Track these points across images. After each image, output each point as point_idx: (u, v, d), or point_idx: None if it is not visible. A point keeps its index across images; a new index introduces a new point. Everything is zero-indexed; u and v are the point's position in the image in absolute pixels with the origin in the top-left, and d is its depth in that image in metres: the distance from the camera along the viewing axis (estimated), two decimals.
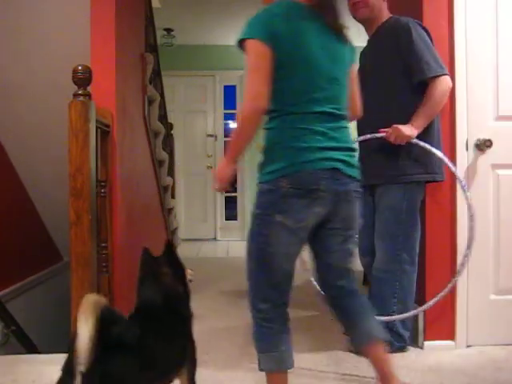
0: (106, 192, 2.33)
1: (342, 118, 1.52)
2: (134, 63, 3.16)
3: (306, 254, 1.73)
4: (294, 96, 1.45)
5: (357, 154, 1.58)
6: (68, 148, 2.04)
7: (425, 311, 2.24)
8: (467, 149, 2.25)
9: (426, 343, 2.26)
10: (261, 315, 1.51)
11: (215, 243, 6.14)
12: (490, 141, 2.21)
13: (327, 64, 1.47)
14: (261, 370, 1.54)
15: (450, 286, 2.12)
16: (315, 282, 2.04)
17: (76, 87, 2.09)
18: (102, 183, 2.32)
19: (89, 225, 2.04)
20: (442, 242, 2.28)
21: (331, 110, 1.47)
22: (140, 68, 3.34)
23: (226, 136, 6.34)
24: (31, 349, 3.11)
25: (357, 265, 2.60)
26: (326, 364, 2.11)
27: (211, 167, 6.22)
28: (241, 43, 1.44)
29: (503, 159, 2.26)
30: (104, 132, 2.34)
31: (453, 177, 2.25)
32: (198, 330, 2.61)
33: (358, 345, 1.65)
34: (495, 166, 2.26)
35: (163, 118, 4.32)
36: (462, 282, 2.24)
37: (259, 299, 1.51)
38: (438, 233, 2.27)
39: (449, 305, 2.23)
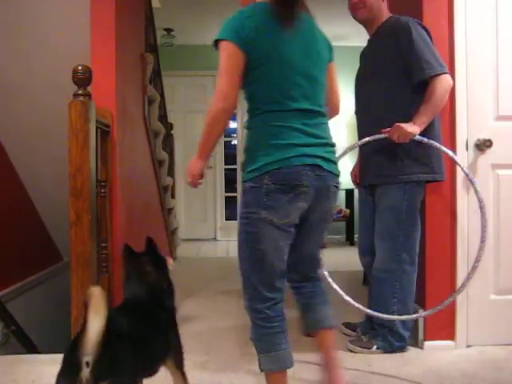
0: (105, 192, 2.34)
1: (320, 114, 1.54)
2: (134, 63, 3.16)
3: None
4: (271, 94, 1.47)
5: (335, 149, 1.60)
6: (68, 148, 2.04)
7: (425, 311, 2.24)
8: (467, 149, 2.25)
9: (426, 343, 2.26)
10: (259, 315, 1.52)
11: (215, 243, 6.14)
12: (489, 141, 2.21)
13: (302, 62, 1.50)
14: (261, 370, 1.54)
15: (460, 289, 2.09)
16: (329, 279, 2.05)
17: (76, 87, 2.09)
18: (102, 183, 2.32)
19: (89, 225, 2.04)
20: (441, 242, 2.28)
21: (309, 107, 1.50)
22: (140, 68, 3.34)
23: (226, 136, 6.35)
24: (31, 349, 3.12)
25: (357, 265, 2.61)
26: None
27: (211, 167, 6.23)
28: (216, 43, 1.47)
29: (503, 159, 2.26)
30: (104, 132, 2.34)
31: (453, 177, 2.25)
32: (198, 330, 2.63)
33: (312, 328, 1.67)
34: (495, 166, 2.26)
35: (163, 118, 4.32)
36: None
37: (256, 299, 1.52)
38: (437, 233, 2.27)
39: (449, 305, 2.22)
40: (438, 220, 2.27)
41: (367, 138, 2.11)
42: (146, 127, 3.48)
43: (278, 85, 1.47)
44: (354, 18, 2.26)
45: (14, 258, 3.38)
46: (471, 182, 2.04)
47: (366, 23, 2.27)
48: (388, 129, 2.04)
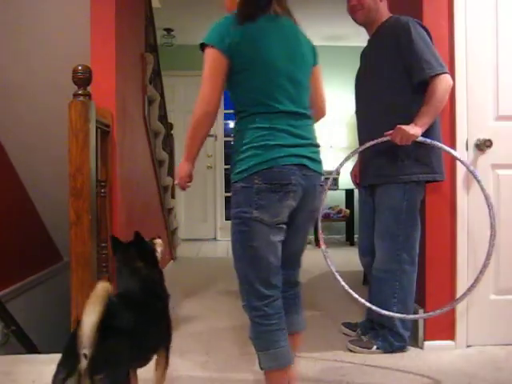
0: (106, 192, 2.34)
1: (305, 116, 1.59)
2: (134, 63, 3.16)
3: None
4: (257, 97, 1.51)
5: (320, 149, 1.65)
6: (68, 148, 2.04)
7: (425, 311, 2.24)
8: (467, 149, 2.25)
9: (426, 343, 2.26)
10: (257, 313, 1.54)
11: (215, 243, 6.14)
12: (490, 141, 2.21)
13: (286, 65, 1.54)
14: (261, 368, 1.55)
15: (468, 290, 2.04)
16: (338, 276, 2.05)
17: (76, 87, 2.09)
18: (102, 183, 2.32)
19: (89, 225, 2.04)
20: (441, 242, 2.28)
21: (294, 109, 1.54)
22: (140, 68, 3.34)
23: (226, 136, 6.34)
24: (31, 349, 3.12)
25: (357, 265, 2.62)
26: (327, 364, 2.11)
27: (211, 167, 6.23)
28: (201, 46, 1.52)
29: (503, 159, 2.27)
30: (104, 132, 2.34)
31: (453, 177, 2.25)
32: (198, 330, 2.63)
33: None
34: (495, 166, 2.26)
35: (163, 118, 4.32)
36: (462, 282, 2.25)
37: (253, 297, 1.54)
38: (437, 233, 2.27)
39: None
40: (438, 220, 2.27)
41: (370, 143, 2.09)
42: (146, 127, 3.48)
43: (263, 88, 1.51)
44: (355, 20, 2.27)
45: (14, 257, 3.38)
46: (478, 181, 2.01)
47: (365, 25, 2.28)
48: (390, 131, 2.03)
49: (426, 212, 2.25)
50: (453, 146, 2.22)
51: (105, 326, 1.17)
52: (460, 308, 2.25)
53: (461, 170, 2.25)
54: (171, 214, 4.53)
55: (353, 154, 2.21)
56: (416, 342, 2.29)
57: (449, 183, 2.25)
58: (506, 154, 2.26)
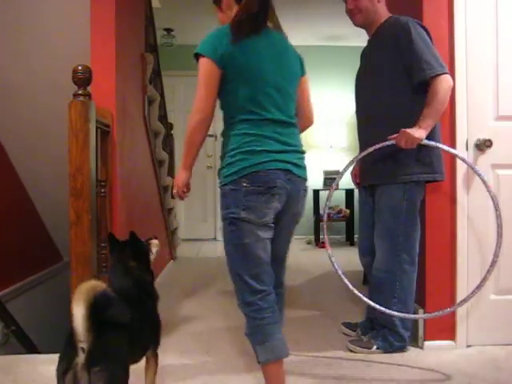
0: (105, 192, 2.34)
1: (290, 124, 1.68)
2: (134, 63, 3.16)
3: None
4: (246, 105, 1.59)
5: (304, 155, 1.73)
6: (68, 148, 2.04)
7: (425, 311, 2.25)
8: (467, 149, 2.25)
9: (426, 343, 2.26)
10: (251, 308, 1.59)
11: (215, 243, 6.14)
12: (490, 141, 2.21)
13: (275, 76, 1.63)
14: (259, 362, 1.59)
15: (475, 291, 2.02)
16: (342, 275, 2.04)
17: (76, 87, 2.09)
18: (102, 183, 2.32)
19: (89, 225, 2.04)
20: (441, 242, 2.28)
21: (280, 118, 1.63)
22: (140, 68, 3.34)
23: None
24: (31, 349, 3.12)
25: (357, 265, 2.62)
26: (327, 364, 2.11)
27: (211, 167, 6.22)
28: (196, 56, 1.61)
29: (503, 159, 2.26)
30: (104, 132, 2.34)
31: (453, 177, 2.25)
32: (198, 330, 2.63)
33: None
34: (495, 166, 2.26)
35: (163, 118, 4.32)
36: (462, 282, 2.25)
37: (246, 292, 1.60)
38: (438, 233, 2.27)
39: (449, 304, 2.22)
40: (439, 220, 2.27)
41: (375, 146, 2.07)
42: (146, 127, 3.48)
43: (251, 97, 1.59)
44: (353, 22, 2.28)
45: (14, 257, 3.38)
46: (482, 179, 2.01)
47: (364, 26, 2.28)
48: (394, 135, 2.03)
49: (426, 212, 2.25)
50: (453, 146, 2.22)
51: (102, 320, 1.19)
52: (460, 308, 2.25)
53: (461, 170, 2.25)
54: (171, 214, 4.54)
55: (357, 158, 2.18)
56: (416, 342, 2.29)
57: (449, 183, 2.25)
58: (506, 153, 2.26)
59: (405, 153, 2.08)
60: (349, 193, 5.75)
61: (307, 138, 6.31)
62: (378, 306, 2.04)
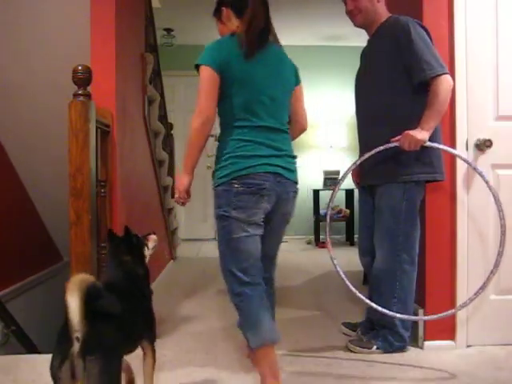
0: (105, 192, 2.34)
1: (282, 131, 1.79)
2: (134, 63, 3.16)
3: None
4: (240, 112, 1.71)
5: (296, 160, 1.84)
6: (68, 148, 2.04)
7: (425, 311, 2.25)
8: (467, 149, 2.25)
9: (426, 343, 2.26)
10: (240, 297, 1.70)
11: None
12: (490, 141, 2.21)
13: (269, 86, 1.74)
14: (250, 347, 1.68)
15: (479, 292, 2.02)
16: (343, 276, 2.04)
17: (76, 87, 2.09)
18: (102, 183, 2.32)
19: (89, 225, 2.04)
20: (441, 242, 2.28)
21: (272, 125, 1.74)
22: (140, 68, 3.34)
23: None
24: (31, 349, 3.12)
25: (357, 265, 2.62)
26: (327, 364, 2.11)
27: (211, 167, 6.22)
28: (197, 66, 1.72)
29: (503, 159, 2.26)
30: (104, 132, 2.34)
31: (453, 177, 2.25)
32: (198, 330, 2.63)
33: None
34: (495, 166, 2.25)
35: (163, 118, 4.32)
36: (462, 282, 2.25)
37: (235, 283, 1.70)
38: (438, 233, 2.27)
39: (449, 305, 2.22)
40: (439, 220, 2.27)
41: (379, 148, 2.06)
42: (146, 127, 3.48)
43: (246, 105, 1.71)
44: (353, 23, 2.28)
45: (14, 257, 3.38)
46: (484, 179, 2.00)
47: (364, 27, 2.28)
48: (398, 137, 2.03)
49: (426, 212, 2.25)
50: (453, 146, 2.22)
51: (93, 311, 1.22)
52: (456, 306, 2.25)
53: (461, 170, 2.24)
54: (171, 213, 4.54)
55: (361, 160, 2.16)
56: (416, 342, 2.29)
57: (449, 183, 2.25)
58: (506, 153, 2.26)
59: (405, 153, 2.08)
60: (349, 193, 5.75)
61: (307, 138, 6.36)
62: (380, 308, 2.04)
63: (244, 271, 1.70)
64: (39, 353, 2.89)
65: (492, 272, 1.95)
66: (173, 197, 4.62)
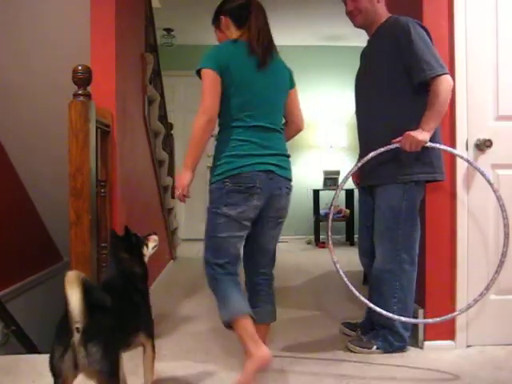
0: (105, 192, 2.34)
1: (275, 131, 1.88)
2: (134, 63, 3.16)
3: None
4: (236, 113, 1.80)
5: (289, 159, 1.91)
6: (68, 148, 2.04)
7: (425, 311, 2.24)
8: (467, 149, 2.25)
9: (426, 343, 2.26)
10: (215, 281, 1.81)
11: None
12: (490, 141, 2.21)
13: (263, 88, 1.83)
14: (223, 322, 1.77)
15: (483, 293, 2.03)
16: (344, 277, 2.04)
17: (76, 87, 2.09)
18: (102, 183, 2.32)
19: (89, 225, 2.04)
20: (441, 242, 2.28)
21: (265, 125, 1.83)
22: (140, 68, 3.34)
23: None
24: (31, 349, 3.11)
25: (357, 265, 2.62)
26: (327, 364, 2.11)
27: (211, 167, 6.21)
28: (198, 71, 1.79)
29: (503, 159, 2.26)
30: (104, 132, 2.34)
31: (453, 177, 2.25)
32: (198, 330, 2.63)
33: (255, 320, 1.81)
34: (495, 166, 2.25)
35: (163, 118, 4.32)
36: (462, 282, 2.25)
37: (210, 265, 1.82)
38: (438, 232, 2.27)
39: (449, 305, 2.23)
40: (439, 220, 2.27)
41: (380, 150, 2.05)
42: (146, 127, 3.48)
43: (242, 106, 1.80)
44: (353, 23, 2.27)
45: (14, 257, 3.38)
46: (489, 182, 1.99)
47: (364, 27, 2.28)
48: (398, 138, 2.03)
49: (426, 212, 2.25)
50: (453, 145, 2.22)
51: (89, 303, 1.29)
52: (460, 308, 2.24)
53: (461, 170, 2.24)
54: (171, 213, 4.53)
55: (363, 162, 2.15)
56: (416, 342, 2.29)
57: (449, 183, 2.25)
58: (506, 153, 2.26)
59: (405, 153, 2.08)
60: (349, 193, 5.75)
61: (307, 137, 6.35)
62: (385, 312, 2.04)
63: (221, 266, 1.80)
64: (39, 353, 2.89)
65: (497, 272, 1.95)
66: (173, 197, 4.63)
